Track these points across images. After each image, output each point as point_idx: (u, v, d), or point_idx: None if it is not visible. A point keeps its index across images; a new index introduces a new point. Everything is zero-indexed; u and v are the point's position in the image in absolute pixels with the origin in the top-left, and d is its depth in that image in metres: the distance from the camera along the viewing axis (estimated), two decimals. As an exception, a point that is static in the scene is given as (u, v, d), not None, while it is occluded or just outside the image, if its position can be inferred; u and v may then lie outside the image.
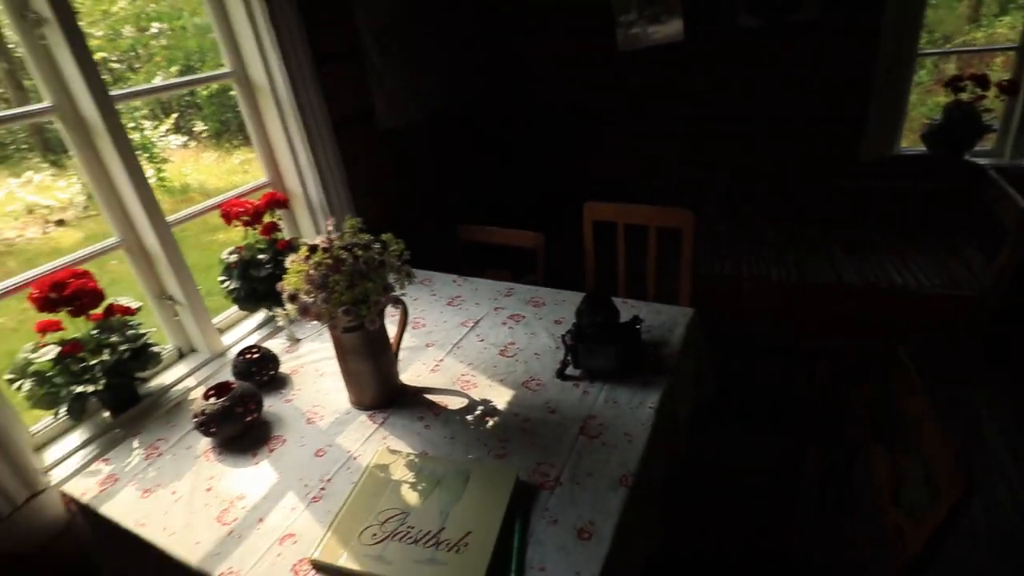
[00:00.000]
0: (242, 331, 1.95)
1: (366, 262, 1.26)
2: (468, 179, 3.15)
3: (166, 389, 1.68)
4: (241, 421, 1.36)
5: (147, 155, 6.40)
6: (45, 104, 1.46)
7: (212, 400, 1.36)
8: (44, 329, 1.45)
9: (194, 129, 7.34)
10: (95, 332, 1.50)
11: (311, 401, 1.50)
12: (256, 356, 1.58)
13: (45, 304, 1.40)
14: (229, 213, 1.89)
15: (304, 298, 1.23)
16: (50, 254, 5.61)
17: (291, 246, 2.01)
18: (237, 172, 7.02)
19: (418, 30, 2.66)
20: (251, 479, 1.26)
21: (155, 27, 6.63)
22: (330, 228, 1.36)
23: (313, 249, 1.29)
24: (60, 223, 6.02)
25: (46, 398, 1.45)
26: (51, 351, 1.43)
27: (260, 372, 1.56)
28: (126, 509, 1.24)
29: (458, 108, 3.01)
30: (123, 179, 1.56)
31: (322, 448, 1.32)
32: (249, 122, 2.01)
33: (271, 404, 1.50)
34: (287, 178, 2.11)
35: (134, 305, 1.57)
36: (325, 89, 2.07)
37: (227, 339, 1.89)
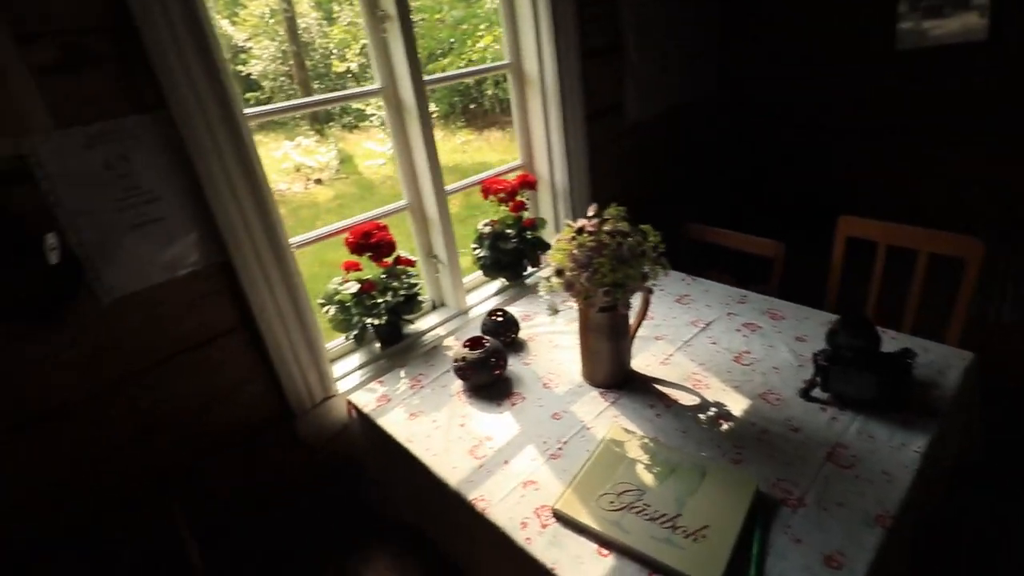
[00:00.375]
0: (482, 295, 2.18)
1: (630, 248, 1.32)
2: (702, 176, 3.07)
3: (422, 334, 1.96)
4: (491, 373, 1.54)
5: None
6: (375, 86, 1.78)
7: (468, 350, 1.57)
8: (349, 268, 1.80)
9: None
10: (383, 276, 1.81)
11: (546, 368, 1.63)
12: (501, 319, 1.77)
13: (356, 248, 1.73)
14: (489, 189, 2.11)
15: (569, 274, 1.35)
16: (310, 206, 6.82)
17: (534, 224, 2.18)
18: (458, 151, 7.72)
19: (665, 23, 2.65)
20: (497, 425, 1.43)
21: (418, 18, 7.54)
22: (591, 213, 1.46)
23: (580, 231, 1.39)
24: (318, 182, 7.28)
25: (343, 323, 1.79)
26: (352, 287, 1.77)
27: (504, 333, 1.75)
28: (397, 426, 1.49)
29: (699, 104, 2.94)
30: (421, 153, 1.84)
31: (558, 412, 1.44)
32: (515, 109, 2.22)
33: (512, 364, 1.66)
34: (537, 162, 2.28)
35: (413, 258, 1.86)
36: (586, 82, 2.18)
37: (469, 299, 2.13)
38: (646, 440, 1.28)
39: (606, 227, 1.36)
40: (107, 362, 1.29)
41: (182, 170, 1.30)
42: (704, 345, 1.63)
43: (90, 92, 1.16)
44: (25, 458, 1.23)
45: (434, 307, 2.12)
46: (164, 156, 1.27)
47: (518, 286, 2.21)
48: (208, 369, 1.46)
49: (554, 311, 1.44)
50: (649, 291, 1.43)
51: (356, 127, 8.47)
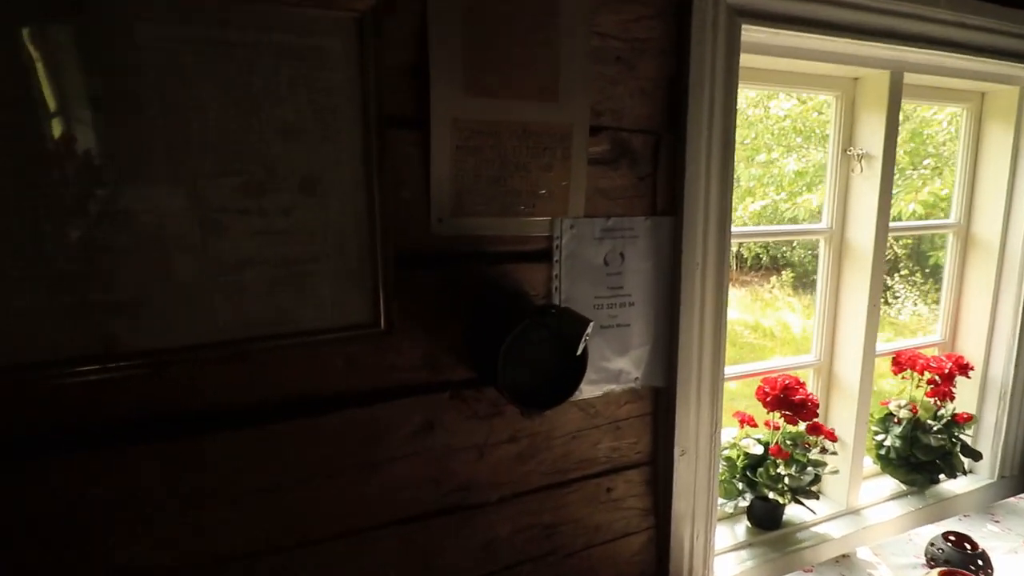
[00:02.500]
0: (871, 493, 1.66)
1: None
2: None
3: (799, 527, 1.51)
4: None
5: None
6: (820, 225, 1.55)
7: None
8: (743, 421, 1.48)
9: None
10: (789, 443, 1.46)
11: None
12: (968, 551, 1.24)
13: (771, 402, 1.42)
14: (908, 363, 1.67)
15: None
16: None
17: (966, 422, 1.64)
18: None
19: None
20: None
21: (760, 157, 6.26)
22: None
23: None
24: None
25: (724, 486, 1.45)
26: (753, 445, 1.44)
27: (972, 568, 1.21)
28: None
29: None
30: (855, 304, 1.52)
31: None
32: (949, 274, 1.79)
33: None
34: (964, 342, 1.78)
35: (834, 430, 1.47)
36: (1064, 259, 1.68)
37: (863, 497, 1.63)
38: None
39: None
40: (526, 465, 1.13)
41: (660, 280, 1.16)
42: None
43: (617, 185, 1.10)
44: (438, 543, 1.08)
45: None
46: (651, 262, 1.15)
47: (923, 495, 1.65)
48: (603, 505, 1.22)
49: None
50: None
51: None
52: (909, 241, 6.08)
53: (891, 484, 1.69)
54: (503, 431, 1.09)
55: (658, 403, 1.23)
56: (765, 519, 1.47)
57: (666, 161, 1.13)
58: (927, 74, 1.44)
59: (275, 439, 0.91)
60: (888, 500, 1.64)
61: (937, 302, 1.88)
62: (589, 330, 0.87)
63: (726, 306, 1.21)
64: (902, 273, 6.16)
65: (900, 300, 6.08)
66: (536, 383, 0.98)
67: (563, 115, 1.01)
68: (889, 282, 5.97)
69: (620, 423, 1.21)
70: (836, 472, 1.45)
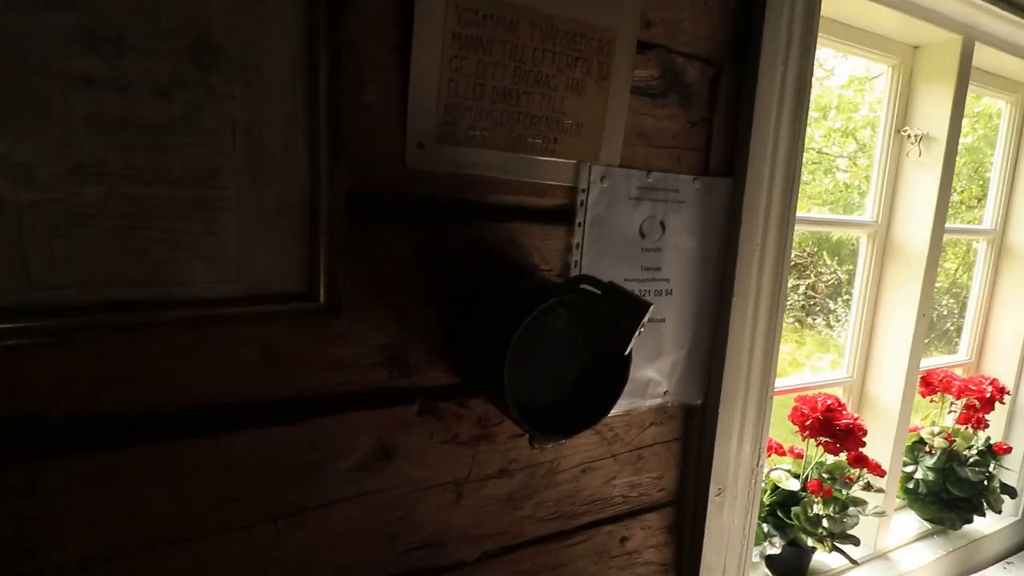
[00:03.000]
0: (896, 534, 1.43)
1: None
2: None
3: (823, 574, 1.26)
4: None
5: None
6: (864, 218, 1.31)
7: None
8: (769, 450, 1.22)
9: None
10: (827, 477, 1.19)
11: None
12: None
13: (809, 426, 1.15)
14: (942, 384, 1.45)
15: None
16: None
17: (1005, 452, 1.44)
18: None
19: None
20: None
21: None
22: None
23: None
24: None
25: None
26: (787, 480, 1.16)
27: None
28: None
29: None
30: (904, 310, 1.28)
31: None
32: (979, 286, 1.60)
33: None
34: (993, 362, 1.59)
35: (882, 463, 1.22)
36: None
37: (889, 538, 1.39)
38: None
39: None
40: (519, 510, 0.80)
41: (708, 264, 0.87)
42: None
43: (663, 129, 0.81)
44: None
45: (833, 531, 1.42)
46: (697, 238, 0.86)
47: (949, 535, 1.43)
48: (615, 560, 0.91)
49: None
50: None
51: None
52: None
53: (914, 521, 1.47)
54: (491, 462, 0.76)
55: (689, 426, 0.93)
56: (790, 569, 1.20)
57: (725, 103, 0.84)
58: (999, 48, 1.23)
59: (134, 472, 0.56)
60: (915, 541, 1.41)
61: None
62: (646, 318, 0.57)
63: (783, 303, 0.93)
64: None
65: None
66: (550, 396, 0.66)
67: (605, 14, 0.71)
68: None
69: (643, 451, 0.90)
70: (882, 514, 1.20)
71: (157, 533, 0.57)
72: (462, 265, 0.69)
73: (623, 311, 0.57)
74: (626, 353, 0.60)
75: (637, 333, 0.57)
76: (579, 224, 0.75)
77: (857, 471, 1.17)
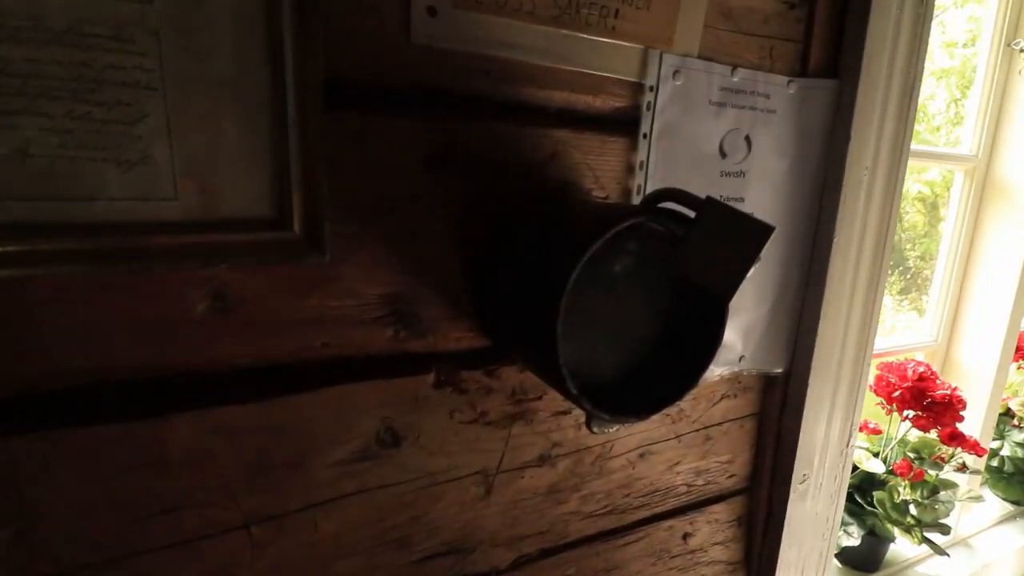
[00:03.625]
0: (977, 519, 1.25)
1: None
2: None
3: (902, 566, 1.09)
4: None
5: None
6: (963, 151, 1.10)
7: None
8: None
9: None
10: (916, 458, 1.01)
11: None
12: None
13: (899, 397, 0.97)
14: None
15: None
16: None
17: (1108, 430, 1.24)
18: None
19: None
20: None
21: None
22: None
23: None
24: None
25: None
26: (871, 462, 0.99)
27: None
28: None
29: None
30: (1006, 267, 1.08)
31: None
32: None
33: None
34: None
35: (981, 442, 1.04)
36: None
37: (969, 522, 1.22)
38: None
39: None
40: (564, 504, 0.64)
41: (802, 193, 0.68)
42: None
43: (754, 9, 0.61)
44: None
45: (906, 515, 1.25)
46: (789, 159, 0.66)
47: (1039, 521, 1.26)
48: (676, 560, 0.75)
49: None
50: None
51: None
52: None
53: (995, 503, 1.29)
54: (529, 446, 0.59)
55: (767, 400, 0.75)
56: (866, 561, 1.03)
57: (833, -23, 0.63)
58: None
59: (22, 473, 0.40)
60: (998, 524, 1.24)
61: None
62: (764, 249, 0.39)
63: (890, 247, 0.73)
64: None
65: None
66: (614, 361, 0.49)
67: None
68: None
69: (711, 431, 0.73)
70: (979, 499, 1.03)
71: (63, 560, 0.41)
72: (491, 186, 0.51)
73: (730, 239, 0.39)
74: (731, 299, 0.42)
75: (751, 271, 0.39)
76: (644, 136, 0.56)
77: (951, 450, 0.99)
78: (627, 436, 0.65)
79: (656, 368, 0.48)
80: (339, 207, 0.45)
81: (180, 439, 0.44)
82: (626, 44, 0.53)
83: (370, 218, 0.47)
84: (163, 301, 0.41)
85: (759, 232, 0.39)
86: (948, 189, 1.14)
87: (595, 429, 0.46)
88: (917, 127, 0.71)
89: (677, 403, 0.48)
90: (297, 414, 0.47)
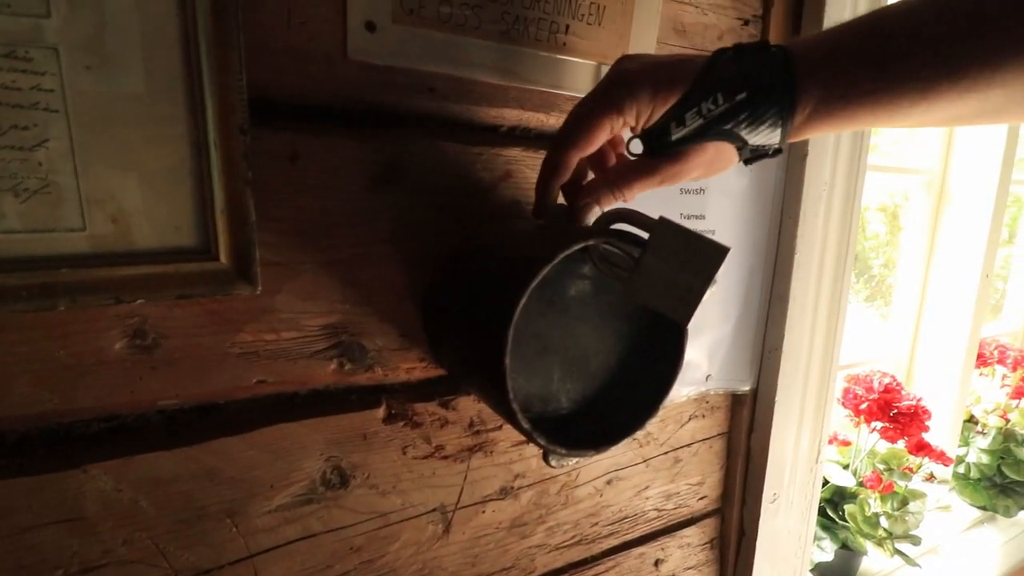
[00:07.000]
0: (950, 524, 1.25)
1: None
2: None
3: None
4: None
5: None
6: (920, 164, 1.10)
7: None
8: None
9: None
10: (884, 469, 1.00)
11: None
12: None
13: (869, 409, 0.96)
14: (987, 355, 1.26)
15: None
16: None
17: (1067, 433, 1.25)
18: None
19: None
20: None
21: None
22: None
23: None
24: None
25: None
26: (841, 475, 0.97)
27: None
28: None
29: None
30: (965, 273, 1.08)
31: None
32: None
33: None
34: (1043, 332, 1.40)
35: (947, 452, 1.03)
36: None
37: (937, 530, 1.21)
38: None
39: None
40: (527, 538, 0.60)
41: (761, 209, 0.66)
42: None
43: (707, 25, 0.59)
44: None
45: (878, 524, 1.24)
46: (748, 176, 0.65)
47: (1008, 525, 1.26)
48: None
49: None
50: None
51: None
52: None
53: (963, 510, 1.29)
54: (490, 479, 0.56)
55: (735, 419, 0.73)
56: (841, 574, 1.01)
57: (786, -6, 0.62)
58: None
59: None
60: (966, 531, 1.23)
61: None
62: (718, 272, 0.36)
63: (852, 260, 0.72)
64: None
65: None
66: (569, 390, 0.46)
67: None
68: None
69: (680, 453, 0.70)
70: (947, 508, 1.02)
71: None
72: (441, 206, 0.48)
73: (683, 260, 0.36)
74: (687, 324, 0.39)
75: (707, 293, 0.37)
76: (600, 153, 0.54)
77: (918, 460, 0.98)
78: (593, 463, 0.62)
79: (616, 396, 0.45)
80: (272, 232, 0.41)
81: (98, 491, 0.39)
82: (578, 60, 0.51)
83: (308, 243, 0.43)
84: (74, 340, 0.37)
85: (714, 254, 0.36)
86: (907, 199, 1.15)
87: (552, 463, 0.42)
88: (877, 140, 0.70)
89: (639, 431, 0.45)
90: (231, 458, 0.43)
